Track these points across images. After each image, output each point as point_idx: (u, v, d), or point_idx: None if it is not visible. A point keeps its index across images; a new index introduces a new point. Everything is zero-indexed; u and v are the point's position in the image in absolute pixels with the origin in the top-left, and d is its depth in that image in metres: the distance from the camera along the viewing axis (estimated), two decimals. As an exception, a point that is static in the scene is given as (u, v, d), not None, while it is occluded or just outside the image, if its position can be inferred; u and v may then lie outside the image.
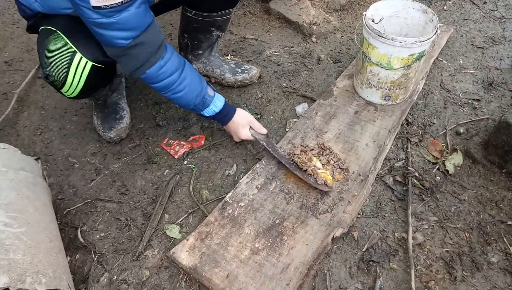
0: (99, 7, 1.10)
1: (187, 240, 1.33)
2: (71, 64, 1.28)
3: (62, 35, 1.27)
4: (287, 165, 1.51)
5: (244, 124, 1.59)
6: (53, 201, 1.50)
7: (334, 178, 1.49)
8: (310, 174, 1.47)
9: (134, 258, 1.36)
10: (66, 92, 1.36)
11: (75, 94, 1.38)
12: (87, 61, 1.30)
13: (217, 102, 1.52)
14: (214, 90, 1.55)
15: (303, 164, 1.48)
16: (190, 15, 1.74)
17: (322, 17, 2.35)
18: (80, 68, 1.30)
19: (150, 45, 1.27)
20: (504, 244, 1.35)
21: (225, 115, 1.56)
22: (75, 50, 1.27)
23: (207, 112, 1.52)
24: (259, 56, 2.17)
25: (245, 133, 1.59)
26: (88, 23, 1.18)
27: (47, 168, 1.66)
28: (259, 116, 1.84)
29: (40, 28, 1.34)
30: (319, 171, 1.47)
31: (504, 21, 2.36)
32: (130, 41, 1.21)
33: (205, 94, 1.47)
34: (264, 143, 1.56)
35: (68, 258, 1.37)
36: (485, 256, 1.33)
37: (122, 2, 1.12)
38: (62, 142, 1.77)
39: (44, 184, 1.36)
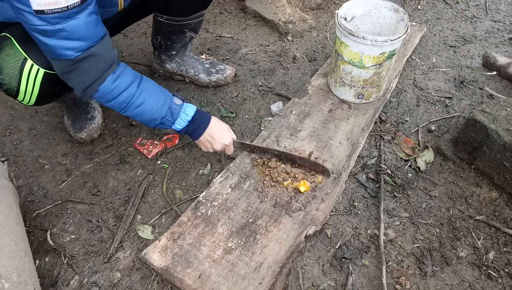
0: (41, 12, 0.99)
1: (159, 241, 1.32)
2: (22, 71, 1.21)
3: (14, 41, 1.20)
4: (281, 154, 1.51)
5: (225, 128, 1.46)
6: (22, 204, 1.47)
7: (314, 182, 1.48)
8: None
9: (105, 260, 1.34)
10: (22, 100, 1.28)
11: (32, 102, 1.30)
12: (38, 68, 1.22)
13: (188, 110, 1.38)
14: (182, 99, 1.40)
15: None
16: (161, 20, 1.72)
17: (298, 16, 2.36)
18: (32, 76, 1.23)
19: (102, 59, 1.17)
20: (473, 239, 1.38)
21: (200, 124, 1.40)
22: (25, 57, 1.20)
23: (179, 123, 1.37)
24: (234, 54, 2.17)
25: (228, 139, 1.46)
26: (31, 30, 1.05)
27: (16, 169, 1.62)
28: (234, 115, 1.83)
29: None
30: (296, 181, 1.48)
31: (475, 21, 2.40)
32: (79, 53, 1.10)
33: (171, 103, 1.33)
34: (253, 143, 1.55)
35: (37, 262, 1.34)
36: (454, 251, 1.35)
37: (67, 7, 1.01)
38: (32, 142, 1.73)
39: (10, 186, 1.32)
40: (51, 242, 1.38)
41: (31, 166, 1.63)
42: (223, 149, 1.48)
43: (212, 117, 1.44)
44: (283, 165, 1.50)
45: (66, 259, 1.35)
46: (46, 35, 1.05)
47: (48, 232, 1.41)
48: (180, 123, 1.38)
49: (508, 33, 2.31)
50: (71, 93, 1.60)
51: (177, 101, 1.38)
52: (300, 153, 1.57)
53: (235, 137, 1.50)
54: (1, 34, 1.26)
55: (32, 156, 1.67)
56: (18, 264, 1.08)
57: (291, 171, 1.48)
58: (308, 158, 1.50)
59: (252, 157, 1.55)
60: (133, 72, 1.29)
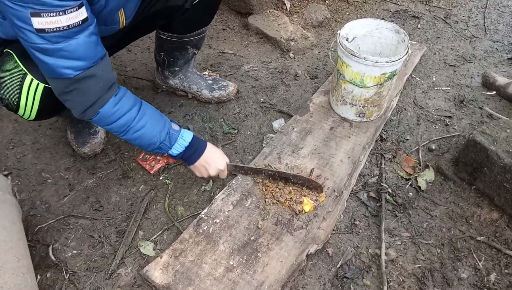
0: (43, 30, 1.00)
1: (161, 258, 1.32)
2: (22, 86, 1.22)
3: (15, 57, 1.22)
4: (274, 173, 1.52)
5: (219, 154, 1.48)
6: (24, 218, 1.47)
7: (317, 200, 1.48)
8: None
9: (106, 277, 1.34)
10: (22, 115, 1.29)
11: (33, 116, 1.31)
12: (38, 83, 1.23)
13: (185, 135, 1.39)
14: (179, 125, 1.43)
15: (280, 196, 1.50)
16: (164, 37, 1.74)
17: (300, 33, 2.39)
18: (32, 90, 1.24)
19: (102, 80, 1.18)
20: (474, 259, 1.38)
21: (196, 149, 1.42)
22: (25, 72, 1.21)
23: (176, 148, 1.38)
24: (237, 71, 2.19)
25: (223, 164, 1.47)
26: (30, 48, 1.06)
27: (19, 183, 1.63)
28: (236, 131, 1.85)
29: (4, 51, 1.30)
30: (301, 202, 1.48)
31: (474, 40, 2.44)
32: (79, 72, 1.11)
33: (170, 128, 1.35)
34: (246, 165, 1.57)
35: (39, 277, 1.34)
36: (455, 272, 1.35)
37: (69, 26, 1.02)
38: (35, 156, 1.73)
39: (13, 201, 1.32)
40: (53, 257, 1.38)
41: (34, 180, 1.64)
42: (218, 174, 1.49)
43: (208, 143, 1.46)
44: (277, 185, 1.51)
45: (68, 275, 1.35)
46: (46, 54, 1.06)
47: (50, 247, 1.41)
48: (177, 148, 1.39)
49: (506, 53, 2.34)
50: None
51: (175, 126, 1.39)
52: (302, 171, 1.58)
53: (228, 161, 1.51)
54: (4, 51, 1.29)
55: (35, 170, 1.68)
56: (20, 281, 1.08)
57: (292, 191, 1.49)
58: (301, 175, 1.51)
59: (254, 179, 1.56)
60: (133, 96, 1.31)
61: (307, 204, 1.45)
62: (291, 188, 1.50)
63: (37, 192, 1.60)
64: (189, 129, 1.74)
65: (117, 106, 1.23)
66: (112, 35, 1.39)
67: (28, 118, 1.31)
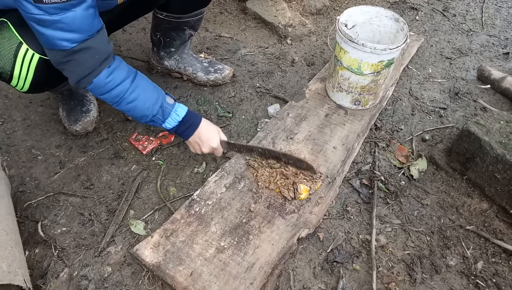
0: (40, 1, 1.00)
1: (152, 237, 1.31)
2: (17, 55, 1.20)
3: (10, 25, 1.20)
4: (265, 151, 1.49)
5: (214, 131, 1.45)
6: (13, 194, 1.45)
7: (311, 187, 1.47)
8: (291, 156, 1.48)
9: (96, 254, 1.33)
10: (16, 85, 1.27)
11: (26, 88, 1.29)
12: (33, 53, 1.22)
13: (179, 110, 1.38)
14: (174, 99, 1.41)
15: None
16: (161, 16, 1.72)
17: (298, 20, 2.37)
18: (26, 60, 1.22)
19: (98, 52, 1.18)
20: (462, 248, 1.40)
21: (190, 125, 1.40)
22: (21, 41, 1.20)
23: (169, 122, 1.37)
24: (233, 55, 2.17)
25: (216, 142, 1.45)
26: (29, 19, 1.07)
27: (9, 159, 1.60)
28: (231, 115, 1.84)
29: None
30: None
31: (471, 34, 2.44)
32: (75, 44, 1.12)
33: (163, 102, 1.34)
34: (238, 142, 1.55)
35: (27, 253, 1.32)
36: (444, 259, 1.37)
37: None
38: (25, 133, 1.71)
39: (2, 175, 1.31)
40: (41, 233, 1.37)
41: (24, 157, 1.62)
42: (211, 151, 1.48)
43: (203, 119, 1.44)
44: (271, 173, 1.50)
45: (57, 251, 1.34)
46: (43, 25, 1.06)
47: (39, 224, 1.40)
48: (170, 123, 1.38)
49: (502, 48, 2.34)
50: (66, 83, 1.59)
51: (170, 100, 1.38)
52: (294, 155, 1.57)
53: (224, 138, 1.49)
54: None
55: (25, 146, 1.65)
56: (8, 253, 1.07)
57: (285, 178, 1.48)
58: (291, 155, 1.49)
59: (247, 159, 1.55)
60: (127, 67, 1.30)
61: (303, 191, 1.44)
62: (285, 176, 1.49)
63: (26, 168, 1.58)
64: None
65: (109, 77, 1.23)
66: (109, 11, 1.36)
67: (21, 89, 1.29)
